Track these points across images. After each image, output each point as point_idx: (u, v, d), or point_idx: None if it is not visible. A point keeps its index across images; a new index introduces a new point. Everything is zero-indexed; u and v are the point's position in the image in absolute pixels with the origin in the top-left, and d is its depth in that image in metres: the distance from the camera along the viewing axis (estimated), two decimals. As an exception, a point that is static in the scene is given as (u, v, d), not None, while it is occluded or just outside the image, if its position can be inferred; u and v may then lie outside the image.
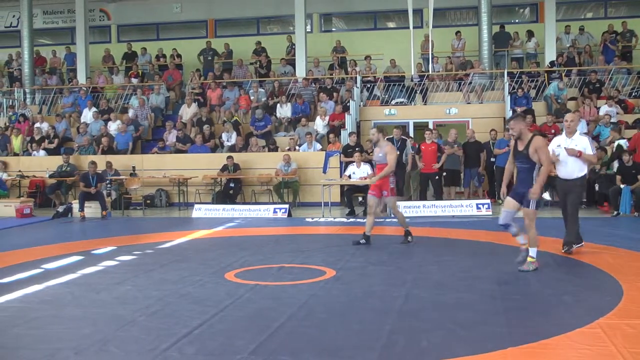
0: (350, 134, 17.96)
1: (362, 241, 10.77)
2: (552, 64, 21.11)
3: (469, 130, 17.97)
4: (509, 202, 8.54)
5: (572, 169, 9.39)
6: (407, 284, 7.77)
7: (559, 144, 9.52)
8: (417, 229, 12.90)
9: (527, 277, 8.05)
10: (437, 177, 16.51)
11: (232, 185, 18.04)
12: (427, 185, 16.52)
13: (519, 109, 18.98)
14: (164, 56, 25.33)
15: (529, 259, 8.36)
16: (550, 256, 9.39)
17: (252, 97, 21.35)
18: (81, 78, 24.29)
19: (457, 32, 23.13)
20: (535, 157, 8.25)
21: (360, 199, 16.70)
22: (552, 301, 6.87)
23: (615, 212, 14.49)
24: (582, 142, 9.39)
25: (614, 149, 16.09)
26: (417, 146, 16.84)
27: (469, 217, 14.70)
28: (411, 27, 20.18)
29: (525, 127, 8.49)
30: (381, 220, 14.70)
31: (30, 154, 20.41)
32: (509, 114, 18.78)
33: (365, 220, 14.63)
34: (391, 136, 16.59)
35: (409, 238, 11.00)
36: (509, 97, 19.29)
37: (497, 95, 20.38)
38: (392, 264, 9.20)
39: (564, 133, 9.60)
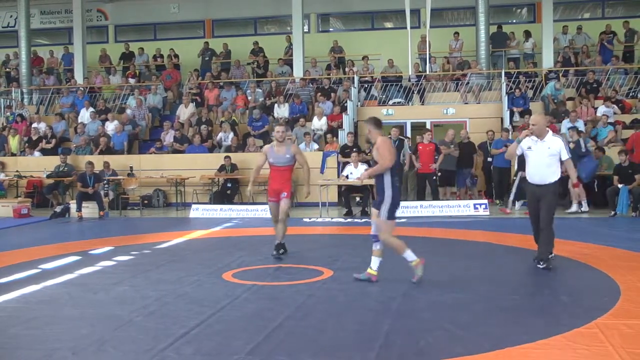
0: (347, 134, 17.96)
1: (281, 251, 9.75)
2: (552, 72, 21.06)
3: (462, 131, 17.97)
4: (372, 213, 8.00)
5: (544, 174, 8.47)
6: (405, 284, 7.77)
7: (529, 146, 8.61)
8: (414, 229, 12.91)
9: (524, 277, 8.04)
10: (434, 178, 16.52)
11: (229, 185, 18.03)
12: (424, 186, 16.52)
13: (516, 110, 19.01)
14: (162, 56, 25.32)
15: (369, 269, 7.85)
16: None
17: (249, 97, 21.33)
18: (78, 78, 24.26)
19: (455, 33, 23.13)
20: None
21: (357, 199, 16.69)
22: (549, 301, 6.88)
23: (613, 213, 14.49)
24: (556, 145, 8.47)
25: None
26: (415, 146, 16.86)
27: (467, 218, 14.70)
28: (408, 27, 20.20)
29: (376, 131, 7.84)
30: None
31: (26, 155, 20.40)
32: (507, 114, 18.82)
33: (361, 220, 14.68)
34: (389, 136, 16.61)
35: (280, 251, 9.80)
36: (506, 97, 19.30)
37: (494, 96, 20.39)
38: (389, 263, 9.18)
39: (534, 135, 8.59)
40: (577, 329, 5.78)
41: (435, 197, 16.39)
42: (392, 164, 7.73)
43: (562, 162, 8.54)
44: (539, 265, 8.47)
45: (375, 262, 7.93)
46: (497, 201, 16.89)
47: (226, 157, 17.99)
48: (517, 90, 19.42)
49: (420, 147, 16.55)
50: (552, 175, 8.45)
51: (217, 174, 18.08)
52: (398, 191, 7.89)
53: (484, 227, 12.74)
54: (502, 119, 19.21)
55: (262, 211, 16.02)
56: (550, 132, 8.63)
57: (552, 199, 8.48)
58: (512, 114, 19.00)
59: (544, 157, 8.46)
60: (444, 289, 7.49)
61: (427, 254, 10.01)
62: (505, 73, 20.66)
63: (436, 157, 16.50)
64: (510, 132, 17.54)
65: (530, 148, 8.60)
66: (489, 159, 17.15)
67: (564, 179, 16.01)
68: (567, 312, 6.39)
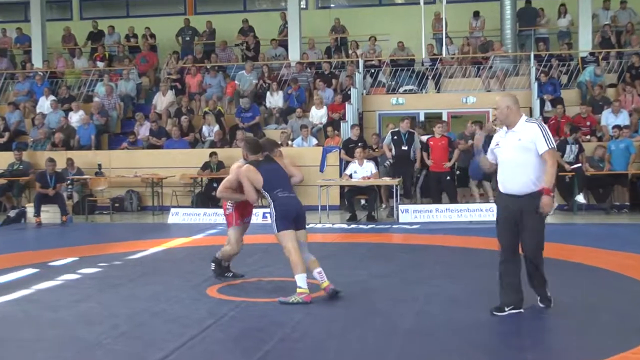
0: (352, 127, 17.91)
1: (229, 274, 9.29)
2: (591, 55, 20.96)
3: (488, 123, 17.92)
4: None
5: (522, 180, 6.86)
6: (417, 300, 7.76)
7: (497, 142, 7.19)
8: (429, 236, 12.90)
9: (558, 291, 7.99)
10: (448, 177, 16.42)
11: (215, 185, 17.99)
12: (438, 187, 16.43)
13: (547, 98, 18.95)
14: (135, 36, 25.24)
15: (297, 289, 7.70)
16: (581, 267, 9.38)
17: (238, 82, 21.23)
18: (37, 61, 24.18)
19: (476, 12, 23.08)
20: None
21: (362, 201, 16.68)
22: (587, 320, 6.84)
23: None
24: (529, 134, 6.89)
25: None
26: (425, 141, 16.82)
27: (489, 223, 14.63)
28: (422, 3, 20.14)
29: (252, 156, 8.34)
30: (387, 227, 14.69)
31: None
32: (537, 103, 18.77)
33: (367, 226, 14.68)
34: (397, 129, 16.56)
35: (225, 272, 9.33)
36: (536, 83, 19.26)
37: (522, 82, 20.36)
38: (399, 277, 9.19)
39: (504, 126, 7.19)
40: (623, 353, 5.72)
41: (452, 199, 16.35)
42: (254, 193, 8.34)
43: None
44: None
45: (298, 279, 7.75)
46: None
47: (212, 153, 17.91)
48: (543, 75, 19.32)
49: (431, 143, 16.46)
50: (533, 181, 6.83)
51: (200, 173, 18.05)
52: (286, 200, 8.06)
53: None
54: (530, 108, 19.18)
55: (252, 216, 15.95)
56: (524, 118, 7.08)
57: (538, 218, 6.85)
58: (542, 102, 18.97)
59: (513, 153, 6.93)
60: (463, 305, 7.48)
61: (443, 264, 10.05)
62: (535, 56, 20.62)
63: (451, 152, 16.43)
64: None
65: (498, 145, 7.14)
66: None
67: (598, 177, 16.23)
68: (609, 334, 6.35)
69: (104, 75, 22.32)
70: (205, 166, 17.98)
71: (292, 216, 8.01)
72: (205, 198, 17.88)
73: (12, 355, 6.11)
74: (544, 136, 6.78)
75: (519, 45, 22.06)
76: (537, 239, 6.91)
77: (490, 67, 20.77)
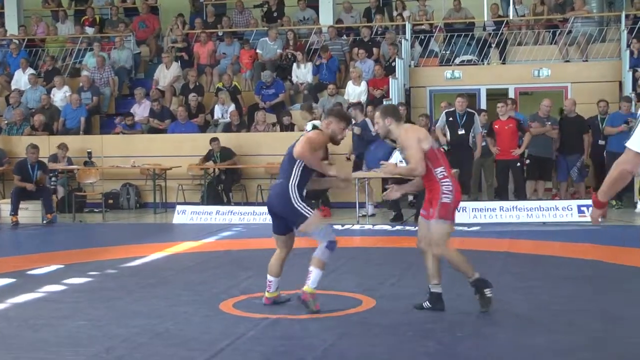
0: (398, 106, 17.83)
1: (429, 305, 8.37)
2: None
3: (567, 101, 17.81)
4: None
5: None
6: (478, 319, 7.75)
7: None
8: (492, 241, 12.84)
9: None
10: (518, 165, 16.35)
11: (223, 178, 18.00)
12: (507, 179, 16.40)
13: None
14: (133, -5, 25.38)
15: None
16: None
17: (260, 52, 21.22)
18: (11, 27, 24.32)
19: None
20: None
21: (410, 197, 16.64)
22: None
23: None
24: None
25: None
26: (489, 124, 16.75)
27: (567, 225, 14.57)
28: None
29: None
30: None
31: None
32: (628, 76, 18.56)
33: (415, 228, 14.60)
34: (452, 109, 16.48)
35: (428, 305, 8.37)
36: (628, 51, 19.06)
37: (609, 50, 20.15)
38: (456, 290, 9.13)
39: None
40: None
41: (520, 194, 16.28)
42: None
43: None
44: None
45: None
46: (614, 202, 16.69)
47: (213, 139, 17.95)
48: (637, 42, 19.10)
49: (496, 126, 16.43)
50: None
51: (200, 163, 18.09)
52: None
53: (593, 238, 12.58)
54: (620, 83, 19.02)
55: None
56: None
57: None
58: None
59: None
60: (534, 326, 7.45)
61: (510, 276, 10.00)
62: (627, 16, 20.36)
63: (520, 137, 16.36)
64: (633, 103, 17.34)
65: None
66: (601, 142, 16.98)
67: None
68: None
69: (94, 43, 22.40)
70: (209, 156, 18.01)
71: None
72: (218, 193, 17.92)
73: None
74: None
75: (607, 3, 21.83)
76: None
77: (570, 31, 20.62)
